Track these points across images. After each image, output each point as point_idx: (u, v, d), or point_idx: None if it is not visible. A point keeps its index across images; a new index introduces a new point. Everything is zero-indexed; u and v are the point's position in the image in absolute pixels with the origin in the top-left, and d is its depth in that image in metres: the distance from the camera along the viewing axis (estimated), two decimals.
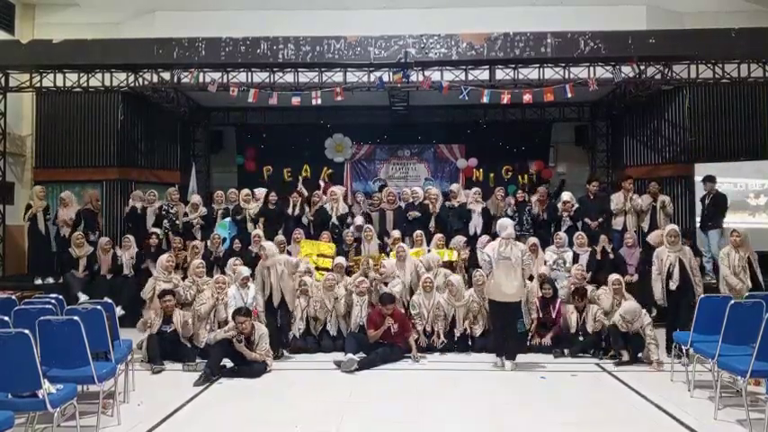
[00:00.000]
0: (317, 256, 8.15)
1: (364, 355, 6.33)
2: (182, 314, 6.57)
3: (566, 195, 9.10)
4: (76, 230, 9.00)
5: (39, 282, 8.93)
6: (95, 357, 4.52)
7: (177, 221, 9.08)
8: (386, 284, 7.18)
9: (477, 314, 6.88)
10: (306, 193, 9.35)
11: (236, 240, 8.40)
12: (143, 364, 6.18)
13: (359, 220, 8.76)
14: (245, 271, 7.24)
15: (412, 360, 6.48)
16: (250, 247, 8.23)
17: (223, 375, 5.87)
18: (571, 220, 8.79)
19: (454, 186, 9.68)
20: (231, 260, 7.73)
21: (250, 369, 5.91)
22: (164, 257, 7.43)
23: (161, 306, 6.45)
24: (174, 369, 6.20)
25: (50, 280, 8.99)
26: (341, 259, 7.74)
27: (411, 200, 9.13)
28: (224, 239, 8.63)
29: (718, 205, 8.91)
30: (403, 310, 6.95)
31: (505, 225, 6.30)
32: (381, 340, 6.46)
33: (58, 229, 9.27)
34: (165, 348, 6.32)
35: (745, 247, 6.48)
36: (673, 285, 6.37)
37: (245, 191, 9.38)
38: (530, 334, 6.90)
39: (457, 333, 6.90)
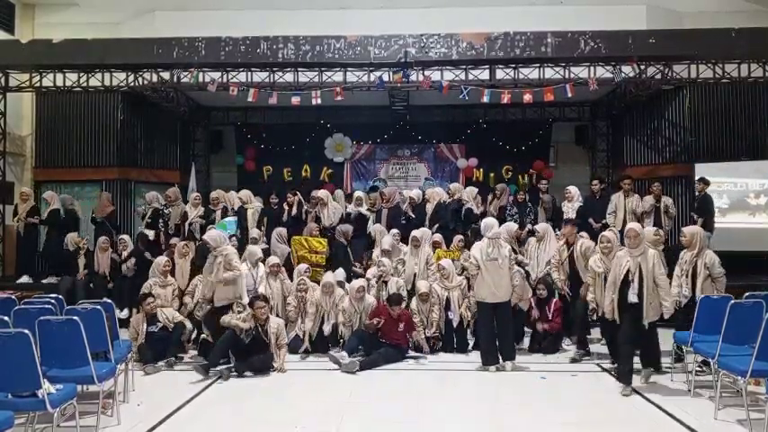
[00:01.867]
0: (310, 252, 8.15)
1: (362, 356, 6.34)
2: (169, 312, 6.58)
3: (572, 188, 9.09)
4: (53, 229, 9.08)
5: (23, 281, 8.98)
6: (95, 357, 4.53)
7: (170, 222, 9.05)
8: (386, 283, 7.17)
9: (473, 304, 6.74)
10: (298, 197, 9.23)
11: (233, 239, 8.36)
12: (139, 364, 6.16)
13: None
14: (258, 252, 7.36)
15: (417, 361, 6.44)
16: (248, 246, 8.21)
17: (234, 372, 5.88)
18: (578, 216, 8.75)
19: (453, 186, 9.69)
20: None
21: (259, 359, 5.92)
22: (161, 261, 7.29)
23: (144, 309, 6.43)
24: (172, 369, 6.21)
25: (28, 279, 9.11)
26: (329, 277, 7.18)
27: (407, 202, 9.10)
28: None
29: (702, 208, 8.97)
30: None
31: (491, 225, 6.25)
32: (385, 340, 6.46)
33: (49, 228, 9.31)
34: (158, 349, 6.30)
35: (692, 249, 5.94)
36: (632, 297, 5.24)
37: (244, 192, 9.38)
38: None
39: (451, 315, 6.82)
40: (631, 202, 8.82)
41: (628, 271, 5.27)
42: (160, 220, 9.09)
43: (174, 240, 8.41)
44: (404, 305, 6.74)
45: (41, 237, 9.66)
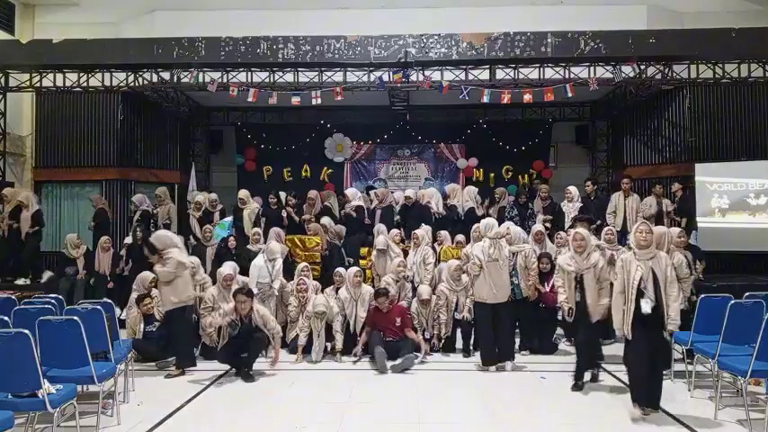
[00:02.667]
0: (304, 250, 8.17)
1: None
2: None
3: (572, 189, 9.07)
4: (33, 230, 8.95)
5: (19, 282, 8.92)
6: (95, 357, 4.52)
7: (158, 223, 9.03)
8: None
9: None
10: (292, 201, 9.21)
11: (231, 239, 8.37)
12: (140, 363, 6.15)
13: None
14: (277, 248, 7.31)
15: (419, 359, 6.43)
16: (248, 246, 8.22)
17: (237, 374, 5.87)
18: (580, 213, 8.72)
19: (449, 187, 9.71)
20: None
21: (253, 343, 5.87)
22: (147, 277, 6.90)
23: (140, 311, 6.40)
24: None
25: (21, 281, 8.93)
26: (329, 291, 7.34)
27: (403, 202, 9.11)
28: (222, 239, 8.61)
29: (682, 209, 9.04)
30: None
31: (491, 225, 6.26)
32: (390, 337, 6.46)
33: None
34: (159, 348, 6.29)
35: (660, 248, 5.38)
36: (646, 307, 4.45)
37: (243, 192, 9.38)
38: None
39: (458, 316, 6.81)
40: (631, 202, 8.83)
41: (641, 279, 4.50)
42: (151, 221, 9.08)
43: None
44: (399, 301, 6.83)
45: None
